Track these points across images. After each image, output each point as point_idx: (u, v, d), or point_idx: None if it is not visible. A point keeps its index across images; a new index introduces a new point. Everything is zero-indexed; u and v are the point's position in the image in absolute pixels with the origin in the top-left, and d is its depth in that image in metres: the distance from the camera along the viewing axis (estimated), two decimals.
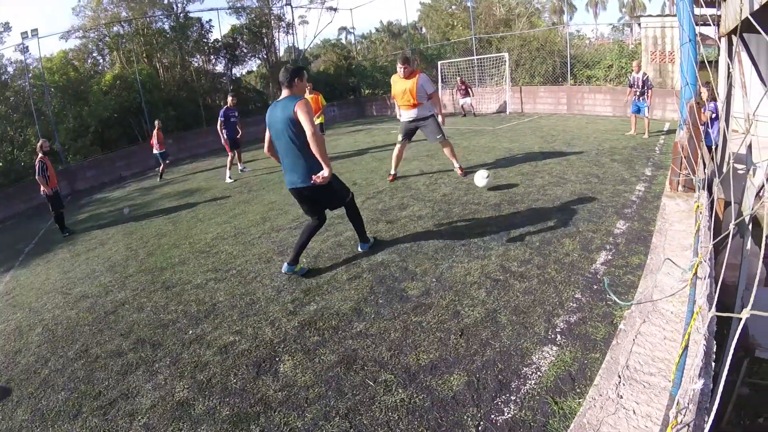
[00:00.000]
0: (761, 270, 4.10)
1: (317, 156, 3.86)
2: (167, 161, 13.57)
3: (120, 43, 21.24)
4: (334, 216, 6.14)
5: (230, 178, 10.48)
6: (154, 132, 13.18)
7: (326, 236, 5.44)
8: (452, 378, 2.71)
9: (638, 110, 10.65)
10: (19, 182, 14.32)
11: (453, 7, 29.60)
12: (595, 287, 3.53)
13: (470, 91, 17.82)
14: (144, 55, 21.39)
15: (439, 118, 7.19)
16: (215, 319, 3.89)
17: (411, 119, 7.17)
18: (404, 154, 7.73)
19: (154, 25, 21.95)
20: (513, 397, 2.50)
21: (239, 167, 11.43)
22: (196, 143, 19.23)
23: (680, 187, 4.15)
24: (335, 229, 5.66)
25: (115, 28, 21.22)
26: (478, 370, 2.74)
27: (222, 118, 10.58)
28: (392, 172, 7.83)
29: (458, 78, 18.06)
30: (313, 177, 3.86)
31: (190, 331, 3.77)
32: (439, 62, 20.26)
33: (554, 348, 2.87)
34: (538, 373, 2.66)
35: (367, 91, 25.75)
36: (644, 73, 10.85)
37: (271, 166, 10.93)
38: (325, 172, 3.81)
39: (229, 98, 11.05)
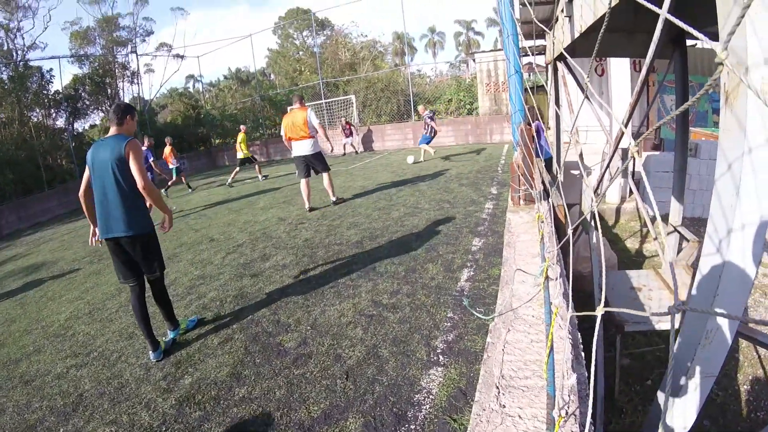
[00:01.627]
0: (611, 256, 4.59)
1: (155, 204, 3.64)
2: (184, 170, 15.17)
3: None
4: (194, 277, 5.75)
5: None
6: (168, 150, 14.17)
7: (189, 300, 5.02)
8: (348, 423, 2.61)
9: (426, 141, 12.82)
10: None
11: (300, 53, 30.26)
12: (464, 304, 3.66)
13: (354, 131, 18.22)
14: None
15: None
16: (85, 411, 3.33)
17: (303, 153, 7.95)
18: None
19: None
20: (413, 426, 2.48)
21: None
22: (39, 210, 16.82)
23: (522, 201, 4.54)
24: (197, 291, 5.26)
25: None
26: (372, 409, 2.68)
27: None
28: (307, 205, 8.24)
29: (343, 119, 18.38)
30: (164, 225, 3.77)
31: (61, 429, 3.18)
32: (288, 107, 20.39)
33: (439, 369, 2.91)
34: (431, 396, 2.68)
35: (217, 141, 25.04)
36: (430, 111, 13.19)
37: None
38: (166, 222, 3.79)
39: (146, 140, 11.70)
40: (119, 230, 3.62)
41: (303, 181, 8.15)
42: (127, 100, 25.54)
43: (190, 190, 14.65)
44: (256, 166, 14.68)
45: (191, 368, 3.60)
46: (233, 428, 2.80)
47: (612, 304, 3.17)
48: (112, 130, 3.70)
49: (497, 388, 1.78)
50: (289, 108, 8.08)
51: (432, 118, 12.65)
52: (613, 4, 2.39)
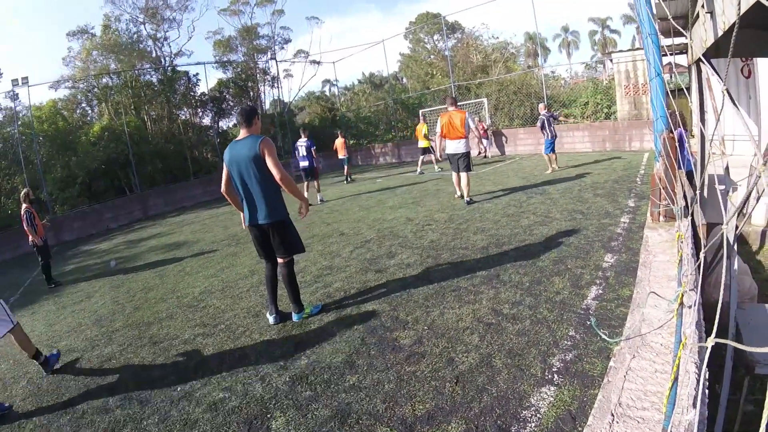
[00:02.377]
0: (752, 286, 4.13)
1: (292, 194, 4.17)
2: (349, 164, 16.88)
3: (108, 94, 21.61)
4: (323, 267, 6.14)
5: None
6: (341, 141, 16.61)
7: (315, 287, 5.39)
8: (450, 427, 2.63)
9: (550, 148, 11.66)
10: (5, 230, 14.24)
11: (432, 56, 30.63)
12: (589, 323, 3.51)
13: (488, 134, 18.25)
14: (132, 107, 21.73)
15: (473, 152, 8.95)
16: (204, 376, 3.77)
17: (456, 151, 8.81)
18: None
19: (143, 78, 22.42)
20: None
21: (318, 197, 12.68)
22: (184, 196, 19.30)
23: (661, 218, 4.22)
24: (324, 280, 5.62)
25: (104, 80, 21.66)
26: (476, 417, 2.67)
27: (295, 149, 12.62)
28: (458, 194, 9.44)
29: (478, 119, 18.40)
30: (302, 212, 4.34)
31: (179, 388, 3.65)
32: (420, 111, 20.72)
33: (552, 388, 2.81)
34: (538, 415, 2.60)
35: (351, 141, 26.23)
36: (551, 112, 12.30)
37: None
38: (302, 208, 4.34)
39: (301, 132, 13.31)
40: (262, 218, 4.15)
41: (455, 174, 9.19)
42: (267, 103, 27.88)
43: (346, 182, 16.46)
44: (432, 157, 15.67)
45: (309, 350, 3.86)
46: (339, 412, 2.95)
47: (746, 340, 2.85)
48: (243, 132, 4.19)
49: (612, 415, 1.71)
50: (444, 109, 9.04)
51: (553, 119, 11.88)
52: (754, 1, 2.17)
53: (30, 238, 8.20)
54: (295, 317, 4.52)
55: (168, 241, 11.04)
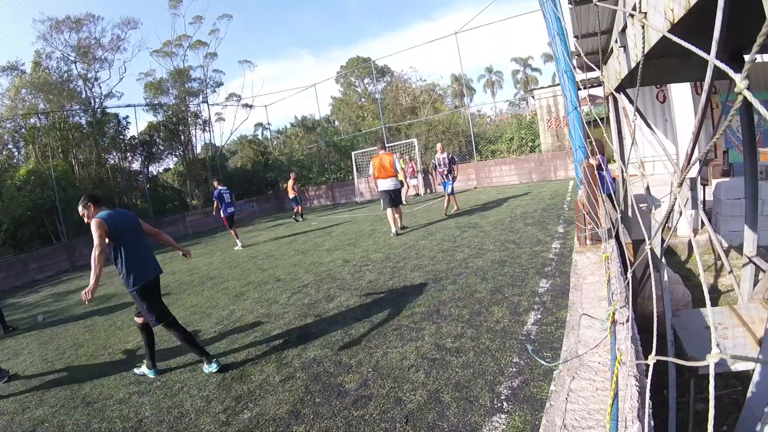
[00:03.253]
0: (685, 294, 4.34)
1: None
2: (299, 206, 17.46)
3: (36, 136, 20.49)
4: (260, 315, 5.94)
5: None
6: (291, 183, 17.21)
7: (254, 337, 5.19)
8: None
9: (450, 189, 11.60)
10: None
11: (362, 99, 31.28)
12: (529, 350, 3.56)
13: (416, 173, 18.63)
14: (60, 150, 20.63)
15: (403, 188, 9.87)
16: None
17: (388, 188, 9.82)
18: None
19: (71, 119, 21.41)
20: None
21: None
22: None
23: (588, 241, 4.40)
24: (262, 329, 5.42)
25: (32, 120, 20.58)
26: None
27: (216, 198, 12.36)
28: (393, 230, 9.94)
29: (407, 157, 18.75)
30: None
31: None
32: (352, 152, 20.97)
33: (503, 416, 2.82)
34: None
35: (284, 185, 26.11)
36: (448, 153, 12.19)
37: (186, 268, 10.53)
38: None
39: (215, 182, 12.90)
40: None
41: (389, 210, 9.93)
42: (199, 147, 27.36)
43: (298, 220, 17.18)
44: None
45: (251, 403, 3.67)
46: None
47: (686, 344, 2.99)
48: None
49: None
50: (375, 152, 10.47)
51: (453, 161, 11.76)
52: (660, 36, 2.35)
53: None
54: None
55: (98, 293, 10.30)
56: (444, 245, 7.83)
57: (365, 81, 34.38)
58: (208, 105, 26.75)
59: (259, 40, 72.46)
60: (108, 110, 23.00)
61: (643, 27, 1.84)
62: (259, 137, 35.21)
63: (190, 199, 25.52)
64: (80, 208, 4.43)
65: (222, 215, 12.54)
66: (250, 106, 28.89)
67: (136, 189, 23.21)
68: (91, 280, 4.03)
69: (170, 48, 26.09)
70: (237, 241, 12.72)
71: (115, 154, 23.42)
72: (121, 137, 23.47)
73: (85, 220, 4.41)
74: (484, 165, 17.35)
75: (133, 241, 4.42)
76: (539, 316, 4.18)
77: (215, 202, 12.52)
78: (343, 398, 3.44)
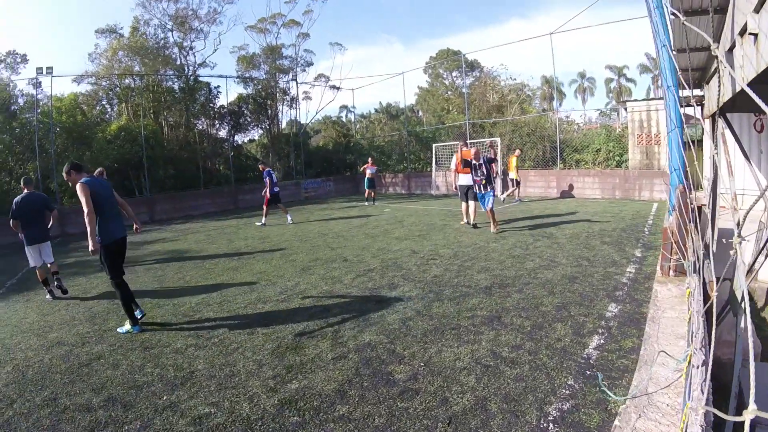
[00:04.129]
0: (755, 344, 4.01)
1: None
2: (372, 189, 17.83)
3: (129, 95, 21.89)
4: (323, 291, 6.08)
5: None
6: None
7: (313, 311, 5.34)
8: None
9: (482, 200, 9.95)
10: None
11: (449, 92, 30.99)
12: (588, 373, 3.42)
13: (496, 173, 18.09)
14: (151, 111, 21.95)
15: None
16: (192, 388, 3.70)
17: (467, 183, 10.22)
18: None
19: (165, 84, 22.65)
20: None
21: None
22: (192, 204, 19.35)
23: (671, 272, 4.15)
24: (322, 305, 5.56)
25: (126, 81, 21.96)
26: None
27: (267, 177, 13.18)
28: (464, 220, 10.83)
29: (491, 150, 18.26)
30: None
31: (165, 397, 3.57)
32: (434, 144, 20.83)
33: None
34: None
35: (361, 168, 26.48)
36: (484, 155, 10.17)
37: (258, 235, 10.94)
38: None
39: (260, 165, 14.13)
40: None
41: (464, 204, 10.68)
42: (284, 122, 28.17)
43: (371, 204, 17.51)
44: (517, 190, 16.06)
45: (300, 375, 3.77)
46: None
47: (748, 399, 2.75)
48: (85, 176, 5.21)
49: None
50: (456, 146, 11.01)
51: (490, 162, 9.91)
52: None
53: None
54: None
55: (171, 247, 10.99)
56: (515, 251, 7.65)
57: (453, 74, 33.95)
58: (296, 83, 27.39)
59: (350, 24, 73.49)
60: (200, 78, 24.03)
61: (756, 47, 1.68)
62: (343, 119, 35.81)
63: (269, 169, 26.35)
64: (64, 174, 5.20)
65: (269, 193, 13.22)
66: (338, 88, 29.31)
67: (220, 155, 24.30)
68: (90, 239, 4.92)
69: (264, 25, 26.77)
70: (287, 216, 13.73)
71: (203, 120, 24.53)
72: (211, 105, 24.54)
73: (70, 185, 5.19)
74: (567, 174, 16.68)
75: (108, 206, 5.21)
76: (602, 341, 3.98)
77: (267, 180, 13.18)
78: (391, 387, 3.46)
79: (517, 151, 15.87)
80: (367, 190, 18.04)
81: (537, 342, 4.07)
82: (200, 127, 24.18)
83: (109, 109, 22.88)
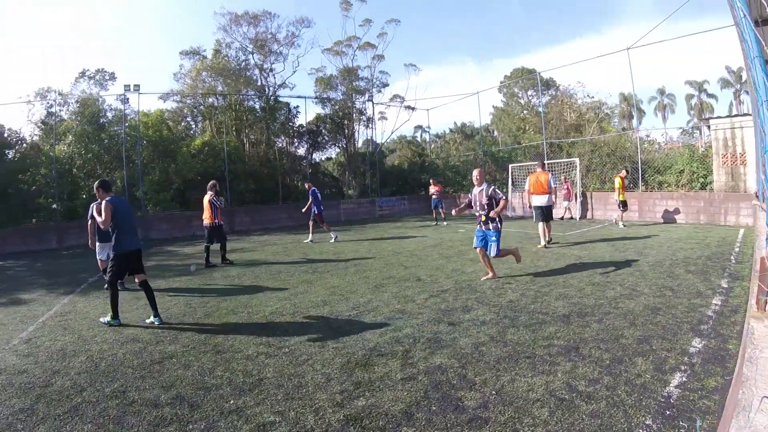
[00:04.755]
0: None
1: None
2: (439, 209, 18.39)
3: (213, 113, 23.56)
4: (395, 310, 6.21)
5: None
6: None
7: (384, 330, 5.42)
8: None
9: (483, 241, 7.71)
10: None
11: (525, 111, 30.62)
12: (668, 413, 3.25)
13: (571, 195, 17.75)
14: (233, 128, 23.49)
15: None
16: (259, 395, 3.84)
17: (541, 204, 11.15)
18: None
19: (246, 103, 24.20)
20: None
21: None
22: (270, 218, 20.44)
23: None
24: (395, 323, 5.64)
25: (210, 99, 23.65)
26: None
27: (312, 196, 13.66)
28: (542, 243, 10.99)
29: (563, 177, 17.98)
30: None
31: (231, 401, 3.73)
32: (509, 165, 20.63)
33: None
34: None
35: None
36: (489, 184, 7.72)
37: (333, 251, 11.32)
38: None
39: (307, 184, 14.83)
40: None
41: (540, 224, 11.16)
42: (360, 141, 29.10)
43: (444, 224, 17.90)
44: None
45: (368, 393, 3.81)
46: None
47: None
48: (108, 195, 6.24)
49: None
50: (533, 167, 11.89)
51: (494, 199, 7.48)
52: None
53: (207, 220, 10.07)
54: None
55: (249, 257, 11.62)
56: (594, 278, 7.44)
57: (529, 93, 33.48)
58: (372, 103, 28.26)
59: (423, 44, 74.17)
60: (280, 99, 25.42)
61: None
62: (418, 139, 36.21)
63: (346, 189, 27.26)
64: (95, 189, 6.23)
65: (316, 211, 13.63)
66: (413, 108, 29.83)
67: (298, 172, 25.44)
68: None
69: (340, 47, 27.86)
70: (331, 234, 14.26)
71: (283, 138, 25.96)
72: (290, 124, 25.97)
73: (98, 198, 6.24)
74: (649, 197, 15.92)
75: (125, 221, 6.10)
76: (684, 379, 3.77)
77: (311, 198, 13.61)
78: (460, 414, 3.42)
79: (623, 172, 15.02)
80: (434, 210, 18.53)
81: (616, 377, 3.92)
82: (280, 145, 25.52)
83: (193, 125, 24.79)
